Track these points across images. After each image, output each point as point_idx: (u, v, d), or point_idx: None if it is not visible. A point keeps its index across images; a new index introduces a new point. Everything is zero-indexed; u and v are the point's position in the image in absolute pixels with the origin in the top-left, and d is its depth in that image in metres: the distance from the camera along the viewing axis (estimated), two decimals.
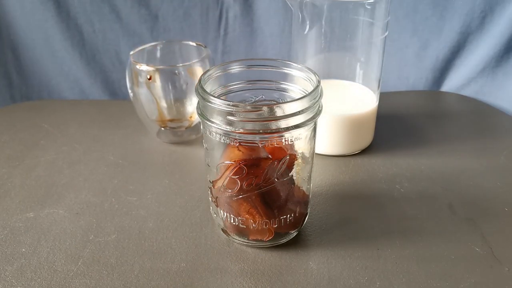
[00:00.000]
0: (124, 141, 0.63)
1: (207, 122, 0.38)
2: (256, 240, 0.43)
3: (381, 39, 0.54)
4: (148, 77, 0.56)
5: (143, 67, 0.56)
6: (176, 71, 0.56)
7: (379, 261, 0.42)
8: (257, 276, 0.40)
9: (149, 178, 0.54)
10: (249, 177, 0.38)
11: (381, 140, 0.61)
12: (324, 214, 0.48)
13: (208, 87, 0.40)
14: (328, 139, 0.57)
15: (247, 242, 0.43)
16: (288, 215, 0.41)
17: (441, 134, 0.63)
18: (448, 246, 0.43)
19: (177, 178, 0.54)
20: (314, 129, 0.40)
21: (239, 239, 0.43)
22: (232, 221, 0.42)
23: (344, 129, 0.56)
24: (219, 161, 0.40)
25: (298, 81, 0.43)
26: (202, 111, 0.39)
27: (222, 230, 0.44)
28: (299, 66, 0.42)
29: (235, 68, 0.43)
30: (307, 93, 0.38)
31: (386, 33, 0.54)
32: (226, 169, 0.39)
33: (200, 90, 0.38)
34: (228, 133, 0.37)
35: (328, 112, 0.53)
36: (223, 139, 0.38)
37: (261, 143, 0.38)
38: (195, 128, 0.63)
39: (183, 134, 0.63)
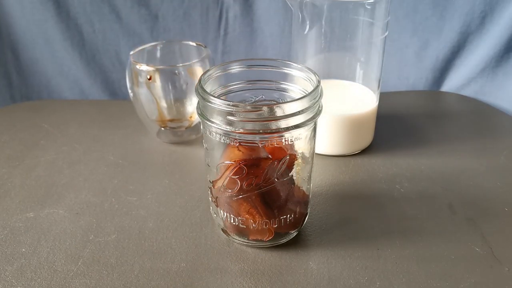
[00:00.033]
0: (124, 141, 0.63)
1: (207, 122, 0.38)
2: (256, 240, 0.43)
3: (381, 39, 0.54)
4: (148, 77, 0.56)
5: (143, 67, 0.56)
6: (176, 71, 0.56)
7: (379, 261, 0.42)
8: (257, 276, 0.40)
9: (149, 178, 0.54)
10: (249, 177, 0.38)
11: (381, 140, 0.61)
12: (324, 214, 0.48)
13: (208, 87, 0.40)
14: (328, 139, 0.57)
15: (247, 242, 0.43)
16: (288, 215, 0.41)
17: (441, 134, 0.63)
18: (448, 246, 0.43)
19: (177, 178, 0.54)
20: (314, 129, 0.40)
21: (239, 239, 0.43)
22: (232, 221, 0.42)
23: (344, 129, 0.56)
24: (219, 161, 0.40)
25: (298, 81, 0.43)
26: (202, 111, 0.39)
27: (222, 230, 0.44)
28: (299, 66, 0.42)
29: (235, 68, 0.43)
30: (307, 93, 0.38)
31: (386, 33, 0.54)
32: (226, 169, 0.39)
33: (200, 90, 0.38)
34: (228, 133, 0.37)
35: (328, 112, 0.53)
36: (223, 139, 0.38)
37: (261, 143, 0.38)
38: (195, 128, 0.63)
39: (183, 134, 0.63)
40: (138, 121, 0.63)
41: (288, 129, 0.37)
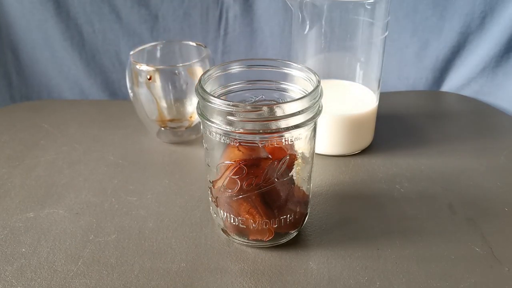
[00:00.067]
0: (124, 141, 0.63)
1: (207, 122, 0.38)
2: (256, 240, 0.43)
3: (381, 39, 0.54)
4: (148, 77, 0.56)
5: (143, 67, 0.56)
6: (176, 71, 0.56)
7: (379, 261, 0.42)
8: (257, 276, 0.40)
9: (149, 178, 0.54)
10: (249, 177, 0.38)
11: (381, 140, 0.61)
12: (324, 214, 0.48)
13: (208, 87, 0.40)
14: (328, 139, 0.57)
15: (247, 242, 0.43)
16: (288, 215, 0.41)
17: (441, 134, 0.63)
18: (448, 246, 0.43)
19: (177, 178, 0.54)
20: (314, 129, 0.40)
21: (239, 239, 0.43)
22: (232, 221, 0.42)
23: (344, 129, 0.56)
24: (219, 161, 0.40)
25: (298, 81, 0.43)
26: (202, 111, 0.39)
27: (222, 230, 0.44)
28: (299, 66, 0.42)
29: (235, 68, 0.43)
30: (307, 93, 0.38)
31: (386, 33, 0.54)
32: (226, 169, 0.39)
33: (200, 90, 0.38)
34: (228, 133, 0.37)
35: (328, 112, 0.53)
36: (223, 139, 0.38)
37: (261, 143, 0.38)
38: (195, 128, 0.63)
39: (183, 134, 0.63)
40: (138, 121, 0.63)
41: (288, 129, 0.37)
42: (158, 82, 0.57)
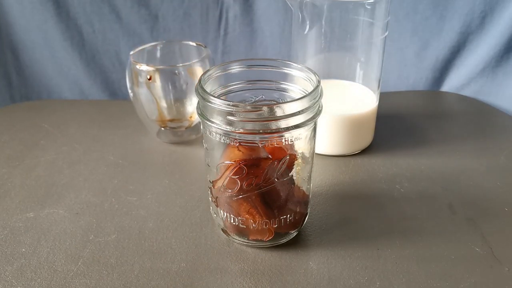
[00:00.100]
0: (124, 141, 0.63)
1: (207, 122, 0.38)
2: (256, 240, 0.43)
3: (381, 39, 0.54)
4: (148, 77, 0.56)
5: (143, 67, 0.56)
6: (176, 71, 0.56)
7: (379, 261, 0.42)
8: (257, 276, 0.40)
9: (149, 178, 0.54)
10: (249, 177, 0.38)
11: (381, 140, 0.61)
12: (324, 214, 0.48)
13: (208, 87, 0.40)
14: (328, 139, 0.57)
15: (247, 242, 0.43)
16: (288, 215, 0.41)
17: (441, 134, 0.63)
18: (448, 246, 0.43)
19: (177, 178, 0.54)
20: (314, 129, 0.40)
21: (239, 239, 0.43)
22: (232, 221, 0.42)
23: (344, 129, 0.56)
24: (219, 161, 0.40)
25: (298, 81, 0.43)
26: (202, 111, 0.39)
27: (222, 230, 0.44)
28: (299, 66, 0.42)
29: (235, 68, 0.43)
30: (307, 93, 0.38)
31: (386, 33, 0.54)
32: (226, 169, 0.39)
33: (200, 90, 0.38)
34: (228, 133, 0.37)
35: (328, 112, 0.53)
36: (223, 139, 0.38)
37: (261, 143, 0.38)
38: (195, 128, 0.63)
39: (183, 134, 0.63)
40: (138, 121, 0.63)
41: (288, 129, 0.37)
42: (158, 82, 0.57)
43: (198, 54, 0.60)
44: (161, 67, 0.57)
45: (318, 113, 0.39)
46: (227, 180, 0.39)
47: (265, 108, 0.36)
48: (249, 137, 0.37)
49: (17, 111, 0.72)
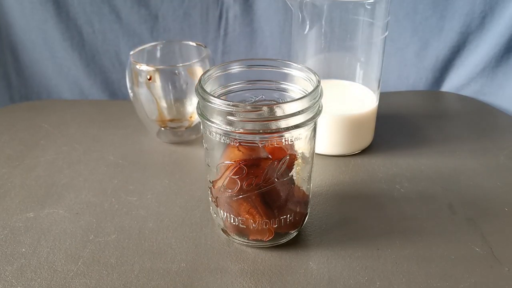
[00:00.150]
0: (124, 141, 0.63)
1: (207, 122, 0.38)
2: (256, 240, 0.43)
3: (381, 39, 0.54)
4: (148, 77, 0.56)
5: (143, 67, 0.56)
6: (176, 71, 0.56)
7: (379, 261, 0.42)
8: (257, 276, 0.40)
9: (149, 178, 0.54)
10: (249, 177, 0.38)
11: (381, 140, 0.61)
12: (324, 214, 0.48)
13: (208, 87, 0.40)
14: (328, 139, 0.57)
15: (247, 242, 0.43)
16: (288, 215, 0.41)
17: (441, 134, 0.63)
18: (448, 246, 0.43)
19: (177, 178, 0.54)
20: (314, 129, 0.40)
21: (239, 239, 0.43)
22: (232, 221, 0.42)
23: (344, 129, 0.56)
24: (219, 161, 0.40)
25: (298, 81, 0.43)
26: (202, 111, 0.39)
27: (222, 230, 0.44)
28: (299, 66, 0.42)
29: (235, 68, 0.43)
30: (307, 93, 0.38)
31: (386, 33, 0.54)
32: (226, 169, 0.39)
33: (200, 90, 0.38)
34: (228, 133, 0.37)
35: (328, 112, 0.53)
36: (223, 139, 0.38)
37: (261, 143, 0.38)
38: (195, 128, 0.63)
39: (183, 134, 0.63)
40: (138, 121, 0.63)
41: (288, 129, 0.37)
42: (158, 82, 0.57)
43: (198, 54, 0.60)
44: (161, 67, 0.57)
45: (318, 113, 0.39)
46: (227, 180, 0.39)
47: (265, 108, 0.36)
48: (249, 137, 0.37)
49: (17, 111, 0.72)
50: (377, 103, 0.58)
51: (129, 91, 0.59)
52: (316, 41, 0.55)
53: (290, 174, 0.40)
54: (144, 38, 0.73)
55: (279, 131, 0.37)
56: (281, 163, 0.38)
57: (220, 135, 0.38)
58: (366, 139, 0.59)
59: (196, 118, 0.61)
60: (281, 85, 0.44)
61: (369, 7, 0.52)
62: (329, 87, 0.54)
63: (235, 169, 0.38)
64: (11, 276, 0.41)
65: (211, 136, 0.39)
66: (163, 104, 0.59)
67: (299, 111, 0.36)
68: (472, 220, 0.46)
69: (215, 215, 0.44)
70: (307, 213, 0.45)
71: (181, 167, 0.57)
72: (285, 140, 0.38)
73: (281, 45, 0.75)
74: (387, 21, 0.54)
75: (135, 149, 0.61)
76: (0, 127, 0.67)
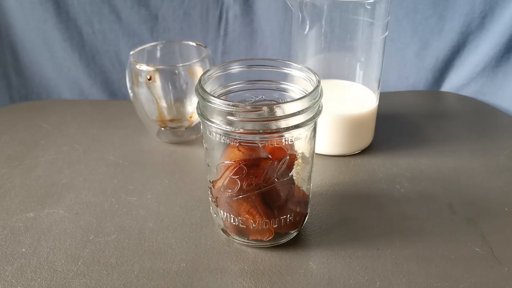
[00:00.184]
0: (124, 141, 0.63)
1: (207, 122, 0.38)
2: (256, 240, 0.43)
3: (381, 39, 0.54)
4: (148, 77, 0.56)
5: (143, 67, 0.56)
6: (176, 71, 0.56)
7: (379, 261, 0.42)
8: (257, 276, 0.40)
9: (149, 178, 0.54)
10: (249, 177, 0.38)
11: (381, 140, 0.61)
12: (324, 214, 0.48)
13: (208, 87, 0.40)
14: (328, 139, 0.57)
15: (247, 242, 0.43)
16: (288, 215, 0.41)
17: (441, 134, 0.63)
18: (448, 246, 0.43)
19: (177, 178, 0.54)
20: (314, 129, 0.40)
21: (239, 239, 0.43)
22: (232, 221, 0.42)
23: (344, 129, 0.56)
24: (219, 161, 0.40)
25: (298, 81, 0.43)
26: (202, 111, 0.39)
27: (222, 230, 0.44)
28: (299, 66, 0.42)
29: (235, 68, 0.43)
30: (307, 93, 0.38)
31: (386, 33, 0.54)
32: (226, 169, 0.39)
33: (200, 90, 0.38)
34: (228, 133, 0.37)
35: (328, 112, 0.53)
36: (223, 139, 0.38)
37: (261, 143, 0.38)
38: (195, 128, 0.63)
39: (183, 134, 0.63)
40: (138, 121, 0.63)
41: (288, 129, 0.37)
42: (158, 82, 0.57)
43: (198, 54, 0.60)
44: (161, 67, 0.57)
45: (318, 113, 0.39)
46: (227, 180, 0.39)
47: (265, 108, 0.36)
48: (249, 137, 0.37)
49: (17, 111, 0.72)
50: (377, 103, 0.58)
51: (129, 91, 0.59)
52: (316, 41, 0.55)
53: (290, 174, 0.40)
54: (144, 38, 0.73)
55: (279, 131, 0.37)
56: (281, 163, 0.38)
57: (220, 135, 0.38)
58: (366, 139, 0.59)
59: (196, 118, 0.61)
60: (281, 85, 0.44)
61: (369, 7, 0.52)
62: (329, 87, 0.54)
63: (235, 169, 0.38)
64: (11, 276, 0.41)
65: (211, 136, 0.39)
66: (163, 104, 0.59)
67: (299, 111, 0.36)
68: (472, 220, 0.46)
69: (215, 215, 0.44)
70: (307, 213, 0.45)
71: (181, 167, 0.57)
72: (285, 140, 0.38)
73: (281, 45, 0.75)
74: (387, 21, 0.54)
75: (135, 149, 0.61)
76: (0, 127, 0.67)
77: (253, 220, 0.40)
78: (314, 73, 0.41)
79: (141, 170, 0.56)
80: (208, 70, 0.42)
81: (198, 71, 0.56)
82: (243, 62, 0.43)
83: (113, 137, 0.64)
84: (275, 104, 0.40)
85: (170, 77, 0.56)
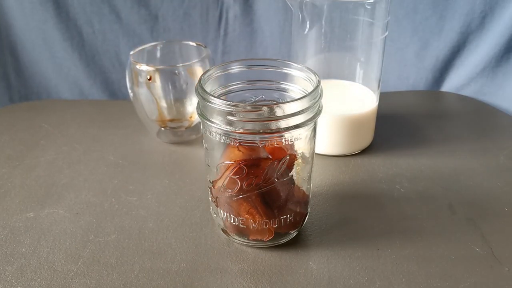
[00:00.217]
0: (124, 141, 0.63)
1: (207, 122, 0.38)
2: (256, 240, 0.43)
3: (381, 39, 0.54)
4: (148, 77, 0.56)
5: (143, 67, 0.56)
6: (176, 71, 0.56)
7: (379, 261, 0.42)
8: (257, 276, 0.40)
9: (149, 178, 0.54)
10: (249, 177, 0.38)
11: (381, 140, 0.61)
12: (324, 214, 0.48)
13: (208, 87, 0.40)
14: (328, 139, 0.57)
15: (247, 242, 0.43)
16: (288, 215, 0.41)
17: (441, 134, 0.63)
18: (448, 246, 0.43)
19: (177, 178, 0.54)
20: (314, 129, 0.40)
21: (239, 239, 0.43)
22: (232, 221, 0.42)
23: (344, 129, 0.56)
24: (219, 161, 0.40)
25: (298, 81, 0.43)
26: (202, 111, 0.39)
27: (222, 230, 0.44)
28: (299, 66, 0.42)
29: (235, 68, 0.43)
30: (307, 93, 0.38)
31: (386, 33, 0.54)
32: (226, 169, 0.39)
33: (200, 90, 0.38)
34: (228, 133, 0.37)
35: (328, 112, 0.53)
36: (223, 139, 0.38)
37: (261, 143, 0.38)
38: (195, 128, 0.63)
39: (183, 134, 0.63)
40: (138, 121, 0.63)
41: (288, 129, 0.37)
42: (158, 82, 0.57)
43: (198, 54, 0.60)
44: (161, 67, 0.57)
45: (318, 113, 0.39)
46: (227, 180, 0.39)
47: (265, 108, 0.36)
48: (249, 137, 0.37)
49: (17, 111, 0.72)
50: (377, 103, 0.58)
51: (129, 91, 0.59)
52: (316, 41, 0.55)
53: (290, 174, 0.40)
54: (144, 38, 0.73)
55: (279, 131, 0.37)
56: (281, 163, 0.38)
57: (220, 135, 0.38)
58: (366, 139, 0.59)
59: (196, 118, 0.61)
60: (281, 85, 0.44)
61: (369, 7, 0.52)
62: (329, 87, 0.54)
63: (235, 169, 0.38)
64: (11, 276, 0.41)
65: (211, 136, 0.39)
66: (163, 104, 0.59)
67: (299, 111, 0.36)
68: (472, 220, 0.46)
69: (215, 215, 0.44)
70: (307, 213, 0.45)
71: (181, 167, 0.57)
72: (285, 140, 0.38)
73: (281, 45, 0.75)
74: (387, 21, 0.54)
75: (135, 149, 0.61)
76: (0, 127, 0.67)
77: (253, 220, 0.40)
78: (314, 73, 0.41)
79: (141, 170, 0.56)
80: (208, 70, 0.42)
81: (198, 71, 0.56)
82: (243, 62, 0.43)
83: (113, 137, 0.64)
84: (275, 104, 0.40)
85: (170, 77, 0.56)
